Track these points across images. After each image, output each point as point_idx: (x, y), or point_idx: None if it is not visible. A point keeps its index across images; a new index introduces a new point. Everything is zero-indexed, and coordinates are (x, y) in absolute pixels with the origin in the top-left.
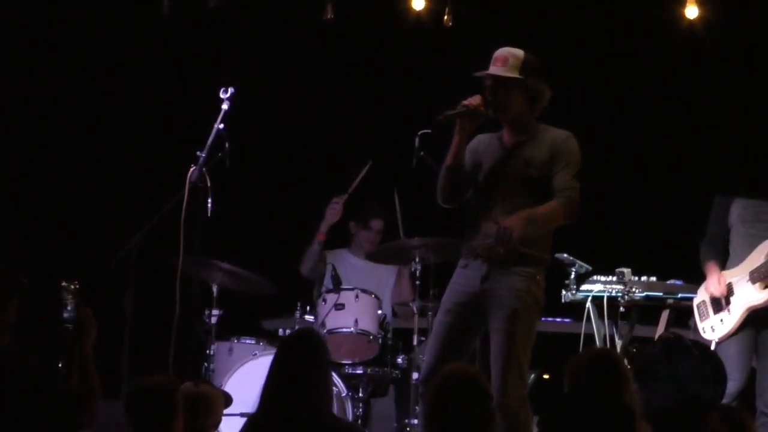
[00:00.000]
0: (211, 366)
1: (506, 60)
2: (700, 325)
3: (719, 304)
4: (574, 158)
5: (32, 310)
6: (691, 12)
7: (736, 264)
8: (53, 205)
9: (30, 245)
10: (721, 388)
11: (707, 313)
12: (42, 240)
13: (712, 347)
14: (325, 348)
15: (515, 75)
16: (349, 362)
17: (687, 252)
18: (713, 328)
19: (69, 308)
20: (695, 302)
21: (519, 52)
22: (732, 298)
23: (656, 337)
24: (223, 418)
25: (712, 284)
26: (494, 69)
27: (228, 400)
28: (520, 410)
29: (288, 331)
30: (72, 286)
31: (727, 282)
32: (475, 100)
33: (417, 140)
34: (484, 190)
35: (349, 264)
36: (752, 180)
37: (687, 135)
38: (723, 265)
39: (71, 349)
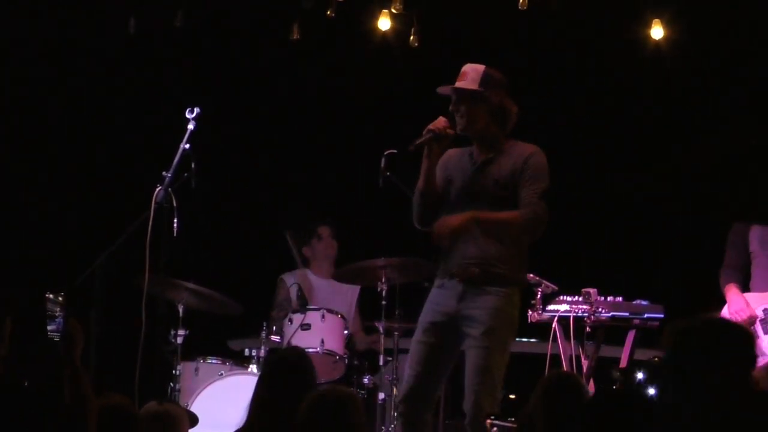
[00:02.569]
0: (177, 386)
1: (467, 74)
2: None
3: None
4: (541, 173)
5: (18, 323)
6: (657, 33)
7: (763, 288)
8: (18, 225)
9: None
10: None
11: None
12: (5, 259)
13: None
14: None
15: (474, 87)
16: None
17: (653, 272)
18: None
19: (57, 320)
20: (761, 313)
21: (479, 67)
22: None
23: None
24: None
25: (739, 309)
26: (456, 84)
27: (194, 420)
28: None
29: (254, 351)
30: (59, 298)
31: (765, 307)
32: (439, 123)
33: (383, 160)
34: (457, 209)
35: (313, 285)
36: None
37: (652, 156)
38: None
39: (61, 360)
